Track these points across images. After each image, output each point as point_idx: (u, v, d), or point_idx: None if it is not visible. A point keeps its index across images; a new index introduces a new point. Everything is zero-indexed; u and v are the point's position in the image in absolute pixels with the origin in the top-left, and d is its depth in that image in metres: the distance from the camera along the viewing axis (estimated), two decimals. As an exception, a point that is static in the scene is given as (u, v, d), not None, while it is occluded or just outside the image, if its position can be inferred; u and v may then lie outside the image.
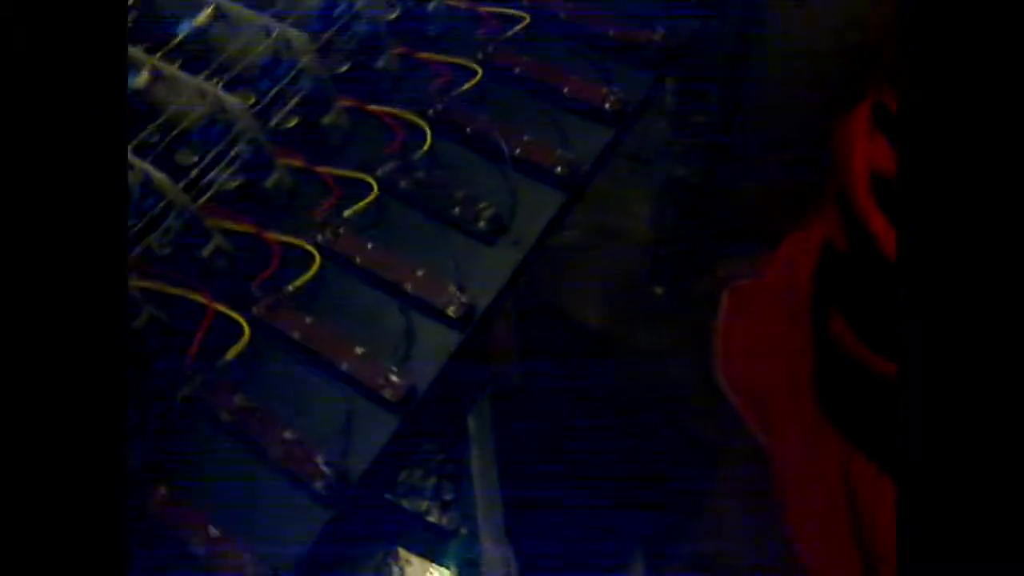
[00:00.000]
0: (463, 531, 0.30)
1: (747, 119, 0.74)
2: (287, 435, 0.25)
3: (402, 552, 0.30)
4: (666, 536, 0.65)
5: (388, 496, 0.31)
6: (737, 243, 0.83)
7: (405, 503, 0.31)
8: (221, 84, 0.30)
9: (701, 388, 0.77)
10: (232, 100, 0.29)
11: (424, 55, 0.33)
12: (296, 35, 0.29)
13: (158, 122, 0.29)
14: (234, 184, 0.30)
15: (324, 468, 0.24)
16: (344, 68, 0.33)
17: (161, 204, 0.27)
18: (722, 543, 0.67)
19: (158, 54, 0.31)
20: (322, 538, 0.25)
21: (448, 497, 0.31)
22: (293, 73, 0.29)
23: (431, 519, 0.31)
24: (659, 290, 0.86)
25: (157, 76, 0.30)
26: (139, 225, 0.28)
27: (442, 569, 0.29)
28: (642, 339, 0.83)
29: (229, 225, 0.29)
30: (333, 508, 0.25)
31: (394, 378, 0.26)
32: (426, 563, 0.30)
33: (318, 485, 0.24)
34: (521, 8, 0.33)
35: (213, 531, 0.24)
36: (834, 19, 0.64)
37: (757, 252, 0.77)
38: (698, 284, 0.86)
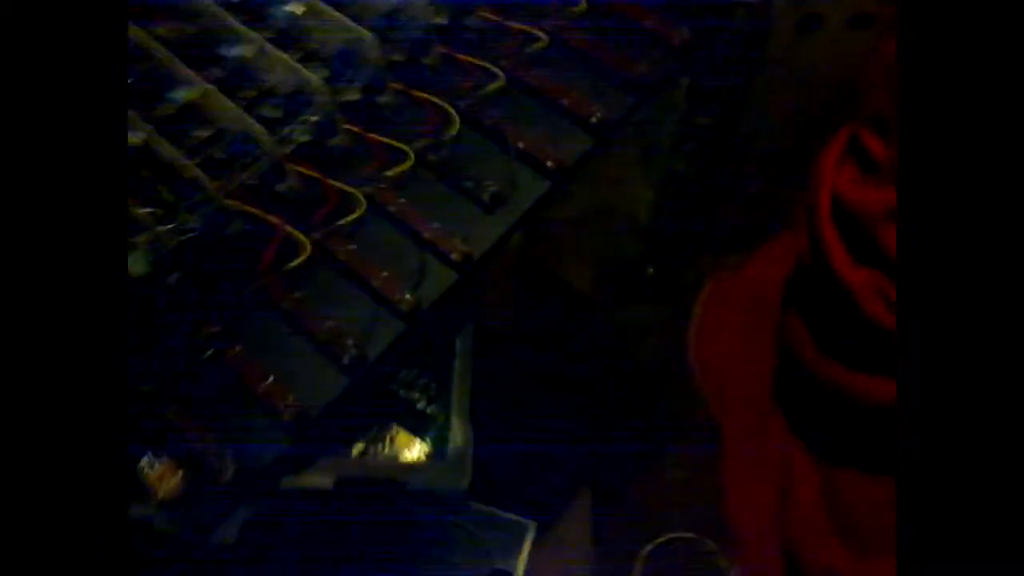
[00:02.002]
0: (441, 417, 0.43)
1: (748, 128, 0.83)
2: (328, 323, 0.38)
3: (395, 426, 0.43)
4: (609, 480, 0.76)
5: (391, 386, 0.43)
6: (725, 238, 0.92)
7: (401, 391, 0.44)
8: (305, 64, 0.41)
9: (673, 363, 0.87)
10: (313, 77, 0.41)
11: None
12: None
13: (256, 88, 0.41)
14: (306, 139, 0.42)
15: (351, 347, 0.37)
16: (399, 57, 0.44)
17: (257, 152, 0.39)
18: (662, 504, 0.75)
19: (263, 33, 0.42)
20: (341, 397, 0.37)
21: (433, 392, 0.43)
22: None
23: (419, 406, 0.44)
24: (650, 271, 0.96)
25: (261, 51, 0.41)
26: (238, 162, 0.40)
27: (419, 440, 0.42)
28: (627, 311, 0.90)
29: (302, 169, 0.41)
30: (352, 377, 0.37)
31: (407, 295, 0.38)
32: (411, 436, 0.43)
33: (345, 358, 0.37)
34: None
35: (270, 379, 0.37)
36: (830, 54, 0.73)
37: (742, 249, 0.86)
38: (685, 270, 0.94)
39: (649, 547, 0.76)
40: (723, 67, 0.74)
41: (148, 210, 0.37)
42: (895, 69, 0.51)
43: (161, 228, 0.37)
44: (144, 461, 0.35)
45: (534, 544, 0.69)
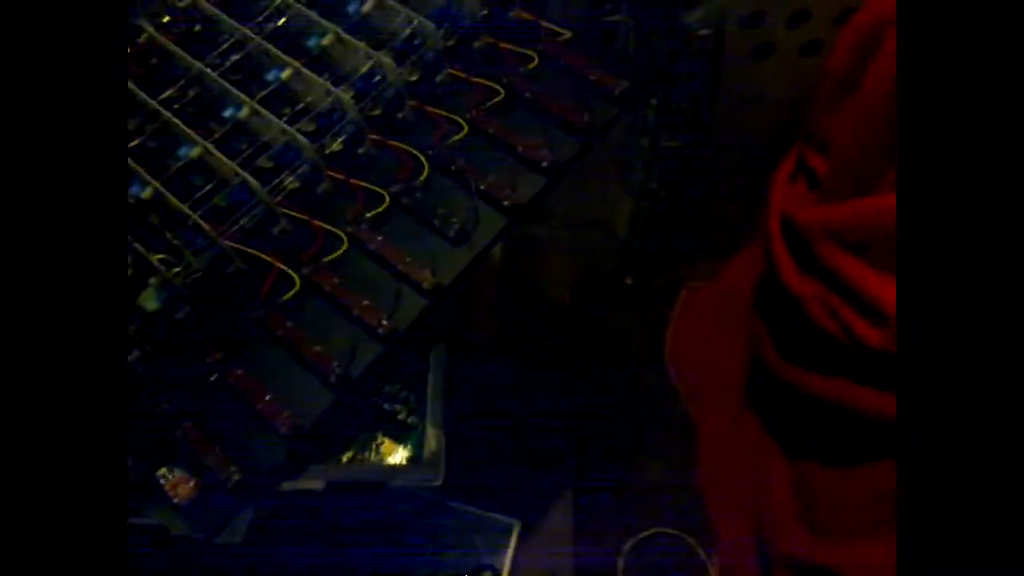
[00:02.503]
0: (420, 425, 0.50)
1: (714, 147, 0.89)
2: (316, 347, 0.44)
3: (379, 435, 0.50)
4: (590, 478, 0.81)
5: (374, 399, 0.50)
6: (699, 250, 0.98)
7: (385, 404, 0.50)
8: (296, 126, 0.48)
9: (651, 366, 0.92)
10: (300, 137, 0.47)
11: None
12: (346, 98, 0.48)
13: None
14: (296, 186, 0.49)
15: (337, 368, 0.43)
16: (377, 112, 0.51)
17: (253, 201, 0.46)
18: (643, 501, 0.79)
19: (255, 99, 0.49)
20: (328, 411, 0.44)
21: (413, 404, 0.50)
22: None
23: (400, 417, 0.50)
24: (628, 280, 1.01)
25: (255, 113, 0.48)
26: (239, 211, 0.46)
27: (402, 446, 0.49)
28: (607, 319, 0.93)
29: (292, 213, 0.48)
30: (338, 393, 0.44)
31: (384, 321, 0.45)
32: (393, 443, 0.50)
33: (332, 378, 0.44)
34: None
35: (268, 396, 0.43)
36: (782, 80, 0.79)
37: (715, 259, 0.92)
38: (662, 280, 0.96)
39: (631, 542, 0.81)
40: (685, 93, 0.80)
41: (159, 256, 0.44)
42: (832, 89, 0.56)
43: (170, 271, 0.44)
44: (162, 471, 0.42)
45: (519, 542, 0.75)
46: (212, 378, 0.43)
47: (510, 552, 0.74)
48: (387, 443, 0.49)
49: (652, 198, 0.96)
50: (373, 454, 0.48)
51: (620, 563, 0.81)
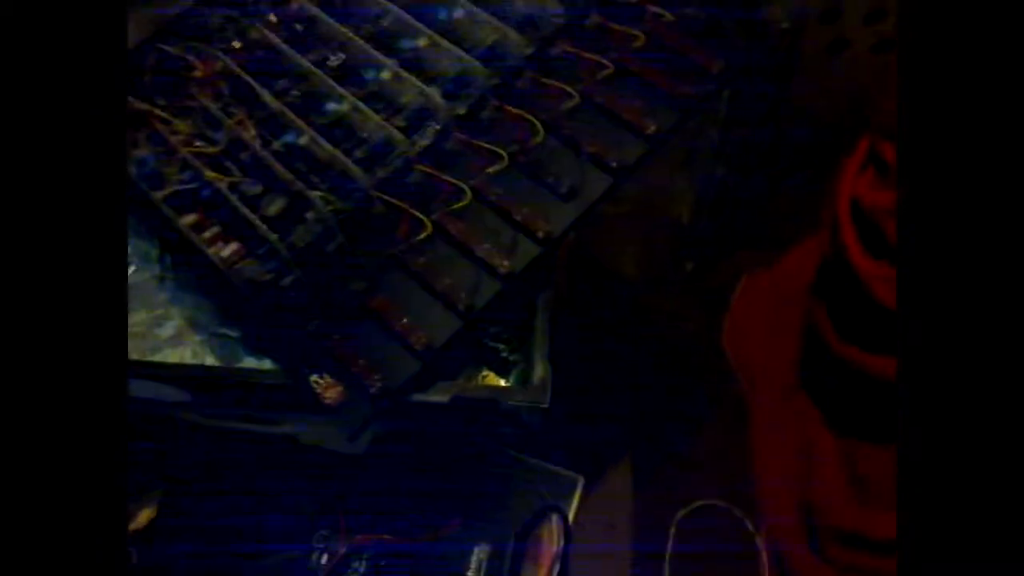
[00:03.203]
0: (521, 362, 0.57)
1: (783, 137, 0.94)
2: (446, 281, 0.52)
3: (485, 370, 0.58)
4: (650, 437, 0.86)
5: (484, 339, 0.57)
6: (760, 238, 1.03)
7: (491, 343, 0.58)
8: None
9: (708, 347, 0.98)
10: (435, 95, 0.55)
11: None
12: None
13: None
14: (427, 143, 0.56)
15: (463, 298, 0.51)
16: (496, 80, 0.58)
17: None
18: (696, 472, 0.82)
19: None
20: (456, 335, 0.51)
21: (515, 343, 0.57)
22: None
23: (503, 354, 0.58)
24: (689, 265, 1.05)
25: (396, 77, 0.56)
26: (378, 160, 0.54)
27: (505, 380, 0.56)
28: (667, 301, 0.96)
29: (424, 167, 0.55)
30: (464, 320, 0.51)
31: (504, 263, 0.51)
32: (496, 377, 0.57)
33: (460, 306, 0.51)
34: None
35: (404, 319, 0.51)
36: (855, 73, 0.83)
37: (775, 248, 0.97)
38: (723, 266, 0.98)
39: (683, 511, 0.86)
40: (761, 83, 0.85)
41: (318, 193, 0.52)
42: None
43: (326, 207, 0.52)
44: (314, 377, 0.50)
45: (582, 496, 0.81)
46: (358, 303, 0.50)
47: (574, 505, 0.80)
48: (491, 376, 0.56)
49: (718, 184, 1.00)
50: (479, 383, 0.56)
51: (672, 528, 0.86)
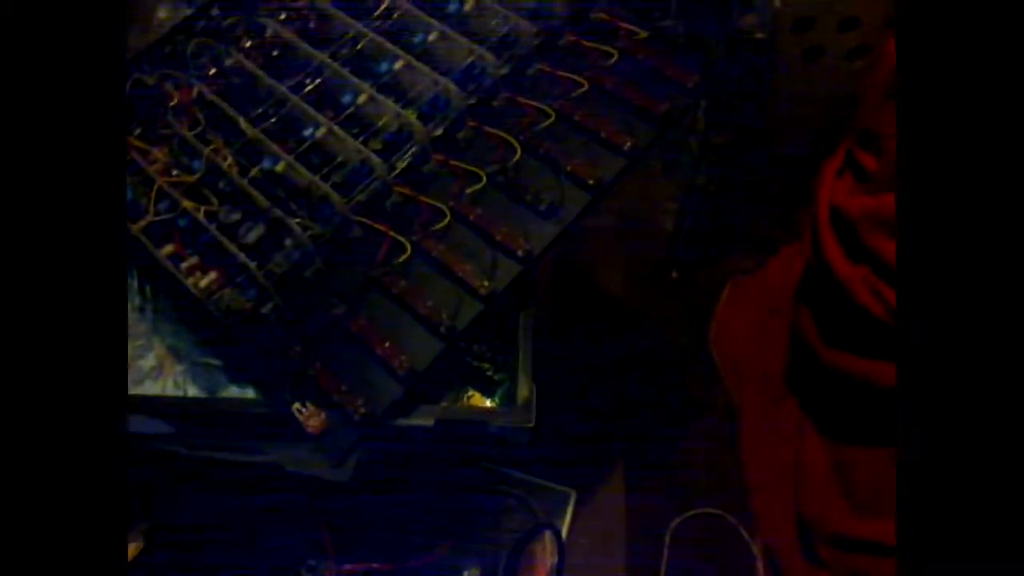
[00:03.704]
0: (505, 380, 0.57)
1: (761, 145, 0.95)
2: (428, 303, 0.52)
3: (470, 390, 0.58)
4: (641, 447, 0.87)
5: (467, 359, 0.57)
6: (743, 245, 1.04)
7: (475, 362, 0.58)
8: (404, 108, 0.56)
9: (695, 354, 0.98)
10: (412, 118, 0.55)
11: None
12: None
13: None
14: (405, 165, 0.57)
15: (446, 320, 0.51)
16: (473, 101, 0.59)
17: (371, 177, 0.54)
18: (688, 481, 0.84)
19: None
20: (439, 357, 0.51)
21: (499, 362, 0.57)
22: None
23: (488, 373, 0.58)
24: (674, 274, 1.03)
25: (372, 99, 0.56)
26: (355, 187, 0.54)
27: (489, 399, 0.56)
28: (654, 310, 0.98)
29: (403, 189, 0.56)
30: (447, 342, 0.51)
31: (484, 283, 0.52)
32: (481, 397, 0.57)
33: (442, 329, 0.51)
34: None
35: (386, 342, 0.51)
36: (832, 80, 0.84)
37: (759, 254, 0.98)
38: (707, 273, 1.00)
39: (677, 520, 0.86)
40: (737, 92, 0.86)
41: (297, 220, 0.52)
42: (882, 90, 0.61)
43: (305, 234, 0.52)
44: (296, 405, 0.50)
45: (575, 511, 0.81)
46: (338, 326, 0.50)
47: (567, 520, 0.80)
48: (476, 396, 0.56)
49: (699, 194, 1.01)
50: (464, 403, 0.56)
51: (667, 538, 0.86)
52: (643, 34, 0.59)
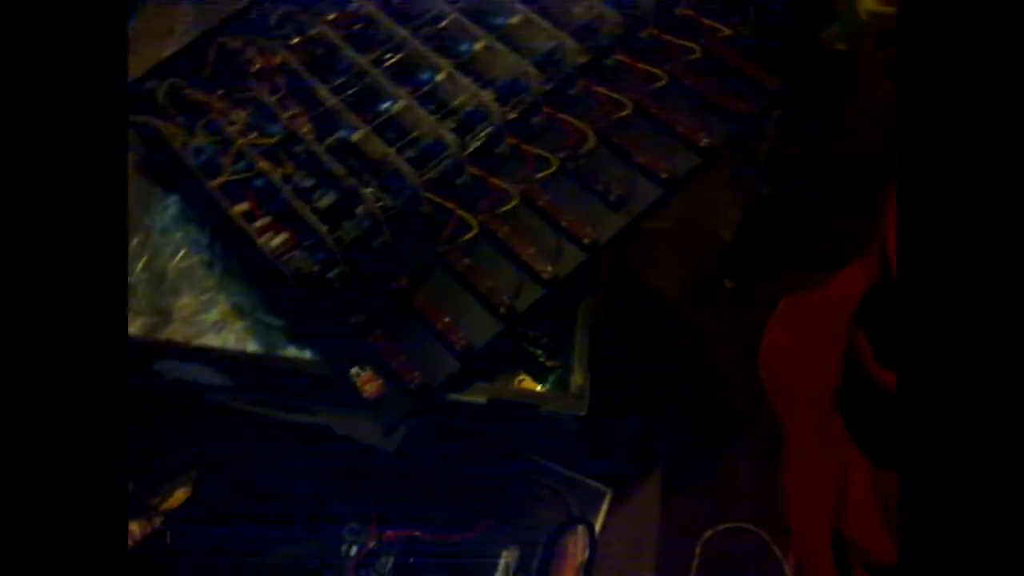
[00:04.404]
0: (558, 367, 0.57)
1: (833, 160, 0.93)
2: (488, 283, 0.52)
3: (522, 373, 0.58)
4: (682, 455, 0.86)
5: (523, 342, 0.57)
6: (803, 260, 1.02)
7: (529, 347, 0.58)
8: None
9: (744, 367, 0.97)
10: (488, 99, 0.55)
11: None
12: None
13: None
14: (478, 145, 0.57)
15: (506, 302, 0.51)
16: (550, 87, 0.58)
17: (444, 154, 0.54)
18: (726, 493, 0.84)
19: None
20: (496, 338, 0.51)
21: (552, 349, 0.57)
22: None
23: (540, 359, 0.58)
24: (729, 284, 1.02)
25: (450, 76, 0.57)
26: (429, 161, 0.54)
27: (541, 385, 0.56)
28: (705, 319, 0.98)
29: (474, 170, 0.56)
30: (505, 323, 0.51)
31: (548, 268, 0.52)
32: (532, 382, 0.57)
33: (501, 309, 0.51)
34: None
35: (446, 318, 0.51)
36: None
37: (817, 271, 0.96)
38: (762, 287, 0.99)
39: (710, 532, 0.86)
40: (814, 104, 0.84)
41: (370, 189, 0.52)
42: None
43: (375, 204, 0.52)
44: (354, 370, 0.51)
45: (609, 510, 0.81)
46: (401, 299, 0.51)
47: (601, 518, 0.80)
48: (527, 380, 0.56)
49: (763, 204, 0.99)
50: (516, 387, 0.56)
51: (698, 548, 0.85)
52: (726, 32, 0.58)
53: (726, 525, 0.86)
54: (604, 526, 0.80)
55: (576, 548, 0.73)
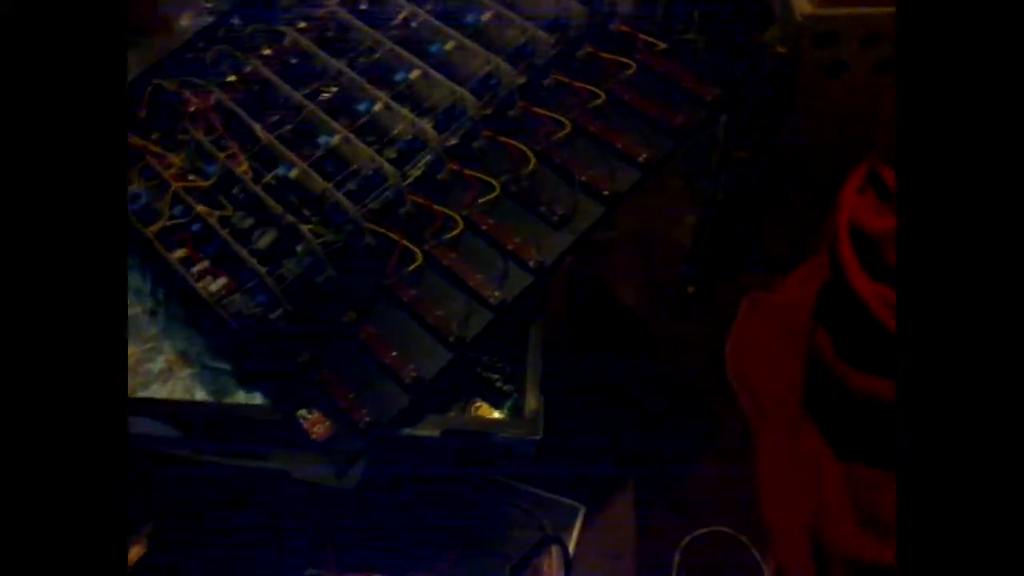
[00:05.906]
0: (514, 393, 0.56)
1: (781, 160, 0.93)
2: (437, 312, 0.51)
3: (479, 401, 0.57)
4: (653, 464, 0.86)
5: (477, 368, 0.57)
6: (760, 261, 1.03)
7: (484, 373, 0.57)
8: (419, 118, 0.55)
9: (710, 373, 0.96)
10: (427, 127, 0.55)
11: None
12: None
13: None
14: (418, 174, 0.56)
15: (455, 330, 0.50)
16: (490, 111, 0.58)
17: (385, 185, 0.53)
18: (700, 499, 0.83)
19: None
20: (447, 367, 0.50)
21: (507, 373, 0.56)
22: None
23: (497, 384, 0.57)
24: (690, 289, 1.03)
25: (388, 108, 0.56)
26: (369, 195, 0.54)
27: (499, 411, 0.55)
28: (669, 325, 0.97)
29: (416, 198, 0.55)
30: (455, 352, 0.50)
31: (495, 293, 0.51)
32: (489, 408, 0.56)
33: (450, 338, 0.50)
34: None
35: (394, 351, 0.50)
36: (855, 95, 0.83)
37: (776, 271, 0.96)
38: (723, 289, 0.99)
39: (688, 538, 0.85)
40: (758, 107, 0.85)
41: (309, 226, 0.51)
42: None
43: (315, 241, 0.51)
44: (302, 412, 0.49)
45: (584, 526, 0.80)
46: (347, 334, 0.50)
47: (575, 535, 0.79)
48: (484, 407, 0.55)
49: (718, 208, 1.00)
50: (472, 414, 0.55)
51: (677, 557, 0.84)
52: (662, 46, 0.58)
53: (703, 530, 0.85)
54: (579, 542, 0.79)
55: (551, 568, 0.72)
